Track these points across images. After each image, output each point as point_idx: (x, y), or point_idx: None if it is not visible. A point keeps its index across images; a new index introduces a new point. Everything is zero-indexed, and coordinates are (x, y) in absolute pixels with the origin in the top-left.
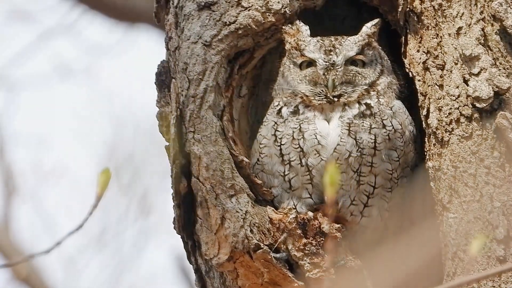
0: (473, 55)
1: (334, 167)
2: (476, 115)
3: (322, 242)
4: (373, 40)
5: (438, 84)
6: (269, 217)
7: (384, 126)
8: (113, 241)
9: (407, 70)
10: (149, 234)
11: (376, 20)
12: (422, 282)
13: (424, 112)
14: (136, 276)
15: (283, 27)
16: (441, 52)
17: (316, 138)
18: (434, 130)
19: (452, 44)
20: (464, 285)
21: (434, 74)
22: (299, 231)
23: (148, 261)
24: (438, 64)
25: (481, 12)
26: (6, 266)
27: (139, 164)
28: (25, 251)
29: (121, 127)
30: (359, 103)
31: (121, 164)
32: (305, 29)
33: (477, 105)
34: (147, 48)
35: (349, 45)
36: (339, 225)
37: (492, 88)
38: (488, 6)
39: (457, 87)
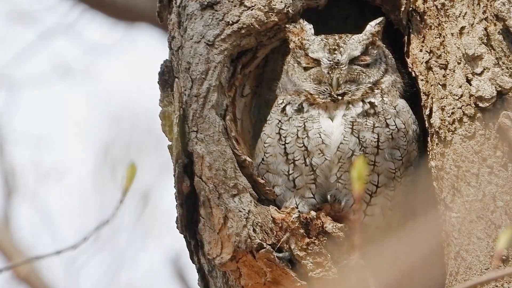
0: (476, 54)
1: (362, 161)
2: (479, 114)
3: (325, 241)
4: (377, 39)
5: (441, 83)
6: (272, 217)
7: (387, 125)
8: (111, 240)
9: (410, 70)
10: (146, 233)
11: (380, 19)
12: (422, 276)
13: (427, 111)
14: (133, 275)
15: (287, 25)
16: (444, 52)
17: (320, 137)
18: (437, 129)
19: (455, 44)
20: (480, 285)
21: (437, 73)
22: (302, 231)
23: (145, 261)
24: (441, 64)
25: (484, 12)
26: (37, 258)
27: (137, 160)
28: (29, 250)
29: (119, 125)
30: (363, 101)
31: (118, 161)
32: (309, 28)
33: (480, 104)
34: (147, 47)
35: (354, 44)
36: (342, 225)
37: (495, 87)
38: (490, 5)
39: (460, 86)
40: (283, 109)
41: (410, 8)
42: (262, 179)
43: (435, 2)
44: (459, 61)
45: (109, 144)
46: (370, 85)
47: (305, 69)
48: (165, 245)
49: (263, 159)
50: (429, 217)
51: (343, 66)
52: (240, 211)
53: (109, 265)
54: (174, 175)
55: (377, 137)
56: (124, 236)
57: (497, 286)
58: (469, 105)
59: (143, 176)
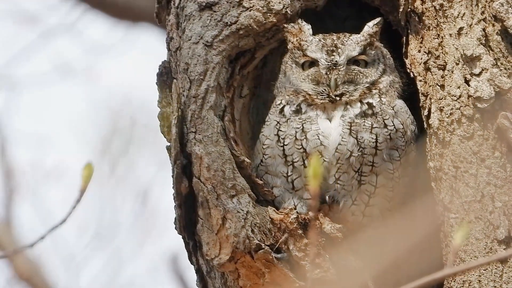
0: (474, 55)
1: (317, 159)
2: (477, 115)
3: (323, 242)
4: (375, 39)
5: (439, 84)
6: (270, 217)
7: (385, 125)
8: (110, 239)
9: (408, 71)
10: (144, 233)
11: (377, 19)
12: (416, 265)
13: (426, 112)
14: (131, 274)
15: (286, 26)
16: (442, 53)
17: (318, 139)
18: (436, 130)
19: (453, 45)
20: (453, 276)
21: (435, 74)
22: (300, 231)
23: (144, 259)
24: (439, 65)
25: (482, 13)
26: None
27: (134, 157)
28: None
29: (119, 124)
30: (361, 102)
31: (116, 157)
32: (307, 28)
33: (479, 105)
34: (148, 47)
35: (352, 45)
36: (340, 225)
37: (493, 88)
38: (489, 6)
39: (459, 87)
40: (281, 110)
41: (409, 9)
42: (260, 180)
43: (433, 3)
44: (458, 62)
45: (108, 142)
46: (368, 85)
47: (303, 69)
48: (163, 243)
49: (261, 161)
50: (424, 209)
51: (341, 67)
52: (238, 212)
53: (108, 263)
54: (172, 176)
55: (375, 137)
56: (123, 234)
57: (495, 287)
58: (468, 105)
59: (141, 173)
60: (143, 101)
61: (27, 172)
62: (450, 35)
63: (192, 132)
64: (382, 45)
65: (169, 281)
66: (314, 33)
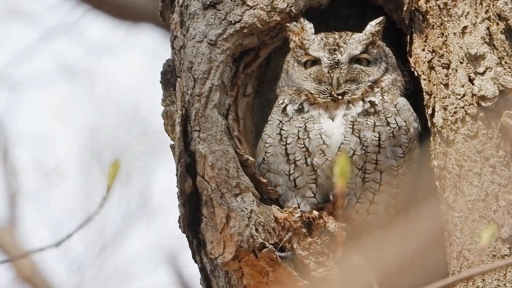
0: (478, 54)
1: (344, 158)
2: (481, 114)
3: (327, 241)
4: (377, 38)
5: (443, 83)
6: (274, 216)
7: (388, 123)
8: (108, 240)
9: (412, 69)
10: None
11: (380, 18)
12: (421, 267)
13: (430, 111)
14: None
15: (288, 24)
16: (446, 51)
17: (321, 138)
18: (440, 129)
19: (457, 43)
20: (472, 278)
21: (440, 73)
22: (304, 230)
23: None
24: (443, 63)
25: (486, 11)
26: (13, 259)
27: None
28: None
29: (121, 124)
30: (363, 101)
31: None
32: (309, 27)
33: (483, 104)
34: (149, 47)
35: (354, 43)
36: (344, 224)
37: (498, 87)
38: (493, 5)
39: (463, 86)
40: (284, 109)
41: (413, 8)
42: (263, 178)
43: (437, 2)
44: (462, 61)
45: (110, 142)
46: (370, 83)
47: (306, 68)
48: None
49: (264, 159)
50: (429, 209)
51: (343, 65)
52: (242, 210)
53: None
54: (176, 175)
55: (378, 135)
56: (118, 229)
57: (499, 286)
58: (472, 104)
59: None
60: (143, 100)
61: (29, 173)
62: (454, 33)
63: (196, 130)
64: (385, 44)
65: (167, 275)
66: (316, 32)
